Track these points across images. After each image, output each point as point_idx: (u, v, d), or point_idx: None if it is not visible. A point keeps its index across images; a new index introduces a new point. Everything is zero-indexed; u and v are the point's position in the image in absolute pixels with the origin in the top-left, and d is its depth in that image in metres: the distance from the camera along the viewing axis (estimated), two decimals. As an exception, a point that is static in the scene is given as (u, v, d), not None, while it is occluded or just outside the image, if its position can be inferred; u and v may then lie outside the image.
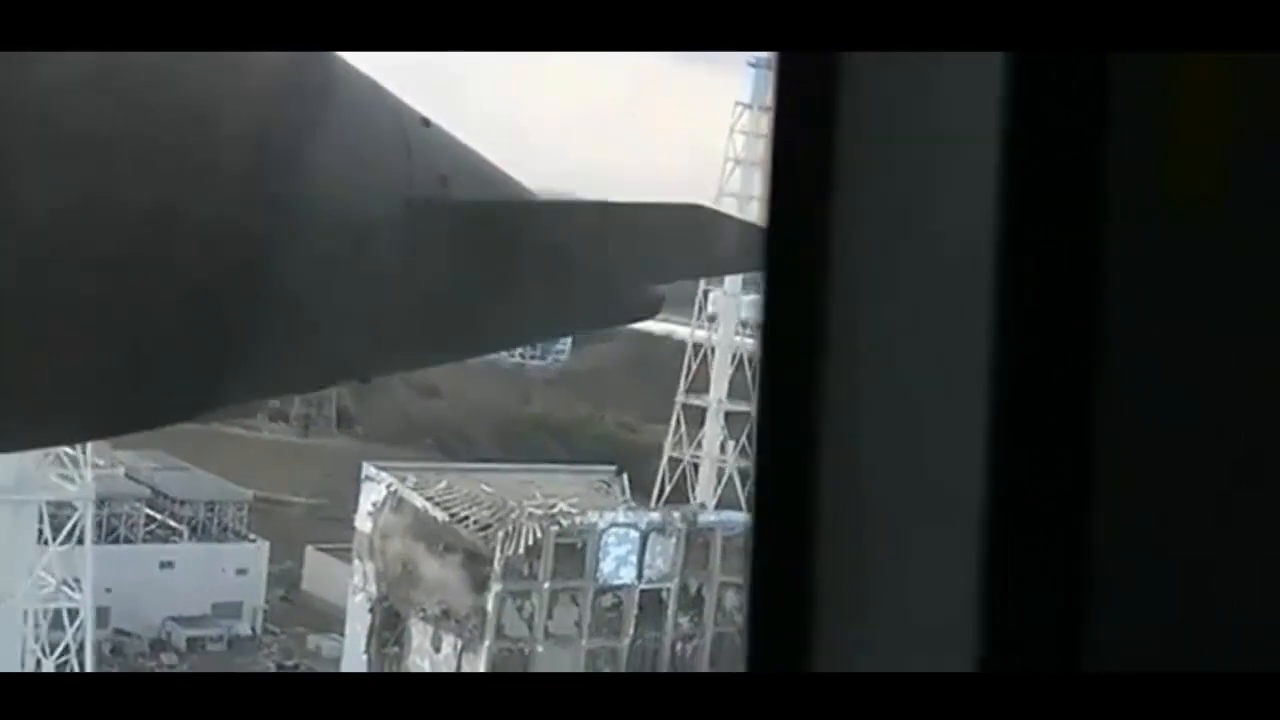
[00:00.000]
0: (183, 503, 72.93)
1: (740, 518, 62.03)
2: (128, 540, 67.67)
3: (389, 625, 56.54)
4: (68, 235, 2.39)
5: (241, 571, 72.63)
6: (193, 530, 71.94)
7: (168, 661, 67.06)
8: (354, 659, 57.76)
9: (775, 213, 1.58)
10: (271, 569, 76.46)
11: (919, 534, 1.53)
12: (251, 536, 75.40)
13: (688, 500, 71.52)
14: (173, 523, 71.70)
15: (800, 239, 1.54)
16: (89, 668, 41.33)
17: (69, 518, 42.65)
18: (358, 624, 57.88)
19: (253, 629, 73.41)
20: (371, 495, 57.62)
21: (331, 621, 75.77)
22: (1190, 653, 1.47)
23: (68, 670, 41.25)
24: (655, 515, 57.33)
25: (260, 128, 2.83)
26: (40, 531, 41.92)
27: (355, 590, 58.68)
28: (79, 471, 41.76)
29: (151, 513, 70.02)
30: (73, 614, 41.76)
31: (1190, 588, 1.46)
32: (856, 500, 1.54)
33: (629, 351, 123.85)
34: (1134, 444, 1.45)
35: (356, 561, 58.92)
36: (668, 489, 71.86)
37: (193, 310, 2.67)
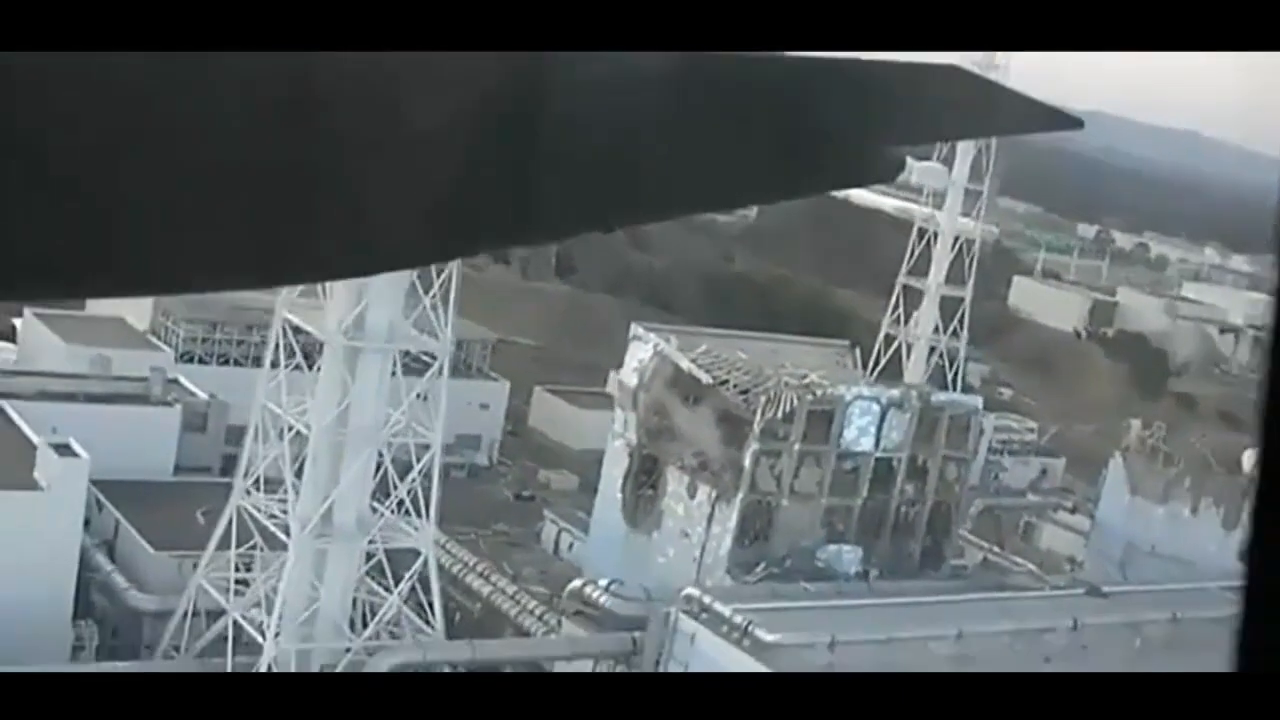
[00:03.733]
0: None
1: (968, 400, 67.20)
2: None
3: (646, 470, 62.46)
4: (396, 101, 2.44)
5: (484, 407, 79.01)
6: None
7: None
8: (609, 497, 63.95)
9: None
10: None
11: None
12: (494, 375, 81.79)
13: (900, 375, 76.73)
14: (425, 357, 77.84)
15: None
16: (434, 494, 47.51)
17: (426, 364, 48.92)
18: (615, 467, 63.87)
19: (489, 460, 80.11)
20: (638, 353, 63.10)
21: (556, 457, 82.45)
22: None
23: (414, 491, 47.38)
24: (895, 392, 62.30)
25: None
26: (394, 374, 47.98)
27: (614, 436, 64.63)
28: (440, 324, 47.69)
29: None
30: (420, 448, 47.87)
31: None
32: None
33: (809, 209, 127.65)
34: None
35: (618, 411, 64.70)
36: (883, 362, 76.83)
37: (471, 156, 2.60)
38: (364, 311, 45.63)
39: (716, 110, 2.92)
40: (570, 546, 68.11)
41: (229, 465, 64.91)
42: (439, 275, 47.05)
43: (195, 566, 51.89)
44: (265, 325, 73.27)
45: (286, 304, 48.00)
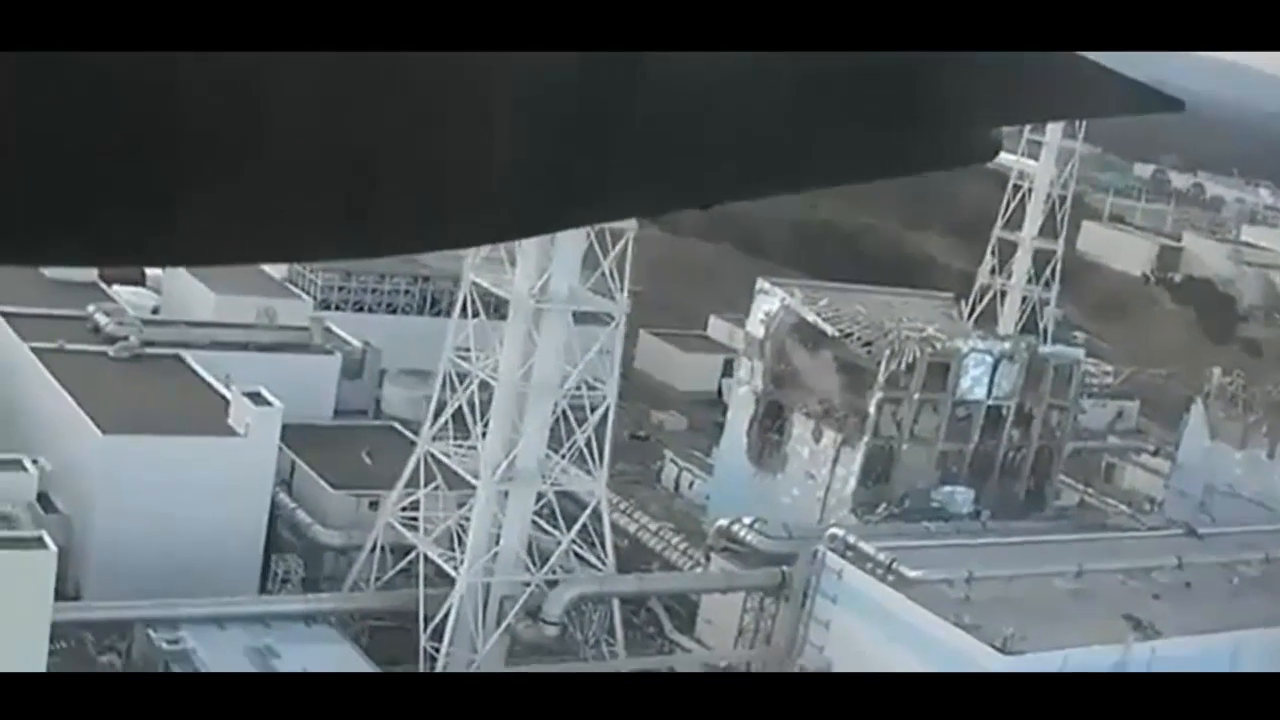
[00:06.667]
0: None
1: (1070, 351, 71.23)
2: (492, 312, 77.43)
3: (771, 415, 66.81)
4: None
5: (605, 352, 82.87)
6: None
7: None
8: (734, 439, 68.39)
9: None
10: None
11: None
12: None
13: (995, 321, 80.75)
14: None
15: None
16: (607, 442, 51.92)
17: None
18: (741, 411, 68.28)
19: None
20: (764, 305, 67.32)
21: (663, 399, 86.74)
22: None
23: (591, 442, 51.58)
24: (1006, 344, 66.45)
25: None
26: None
27: (740, 383, 69.03)
28: (616, 289, 51.92)
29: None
30: (594, 404, 52.21)
31: None
32: None
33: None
34: None
35: (744, 359, 69.01)
36: (978, 310, 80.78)
37: (568, 137, 2.67)
38: (549, 276, 49.89)
39: (820, 93, 2.92)
40: (691, 485, 72.53)
41: (380, 408, 69.78)
42: (615, 243, 51.17)
43: (371, 505, 56.52)
44: (395, 274, 78.03)
45: (471, 267, 52.14)
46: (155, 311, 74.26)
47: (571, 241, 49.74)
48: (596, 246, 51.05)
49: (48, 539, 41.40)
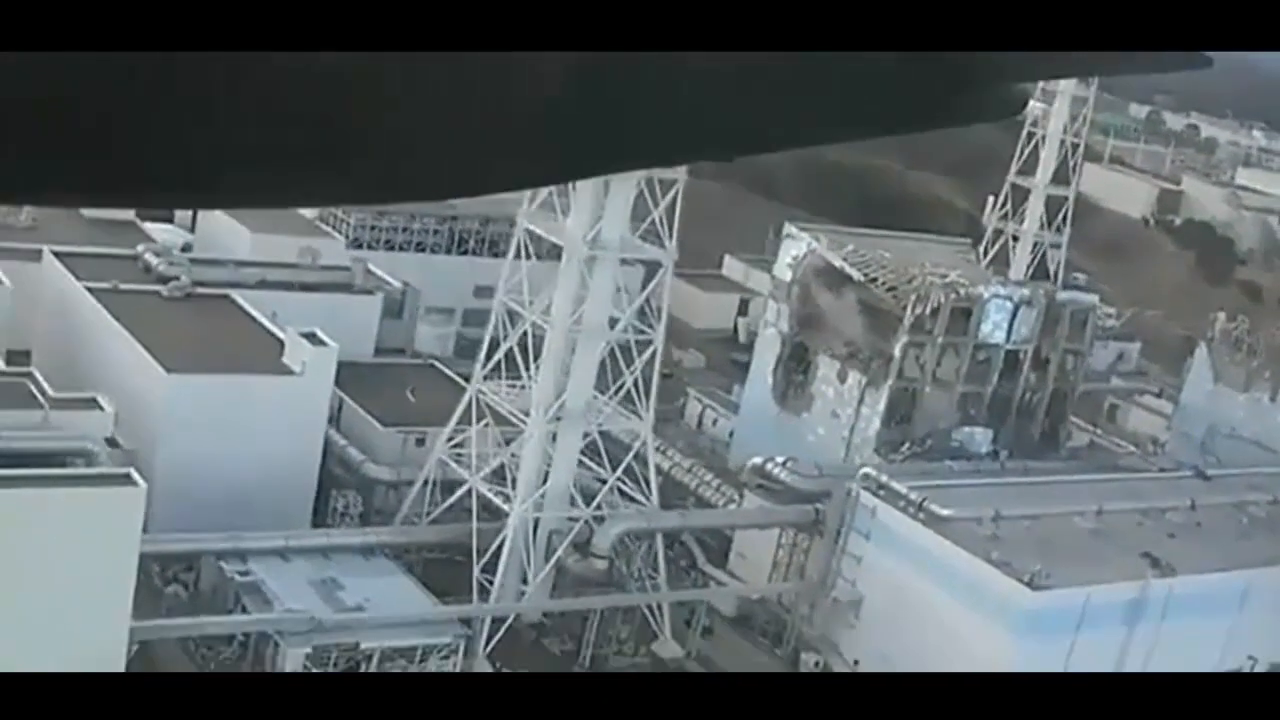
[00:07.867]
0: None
1: (1086, 298, 73.35)
2: (540, 257, 79.27)
3: (796, 357, 68.97)
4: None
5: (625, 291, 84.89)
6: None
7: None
8: (759, 379, 70.57)
9: None
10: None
11: None
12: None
13: (1007, 264, 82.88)
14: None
15: None
16: (654, 385, 53.97)
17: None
18: (767, 352, 70.41)
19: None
20: (791, 250, 69.31)
21: (680, 337, 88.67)
22: None
23: (639, 381, 53.58)
24: (1025, 290, 68.58)
25: None
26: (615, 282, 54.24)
27: (766, 324, 71.09)
28: (664, 237, 53.81)
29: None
30: (641, 345, 54.20)
31: None
32: None
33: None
34: None
35: (771, 302, 71.02)
36: (991, 252, 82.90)
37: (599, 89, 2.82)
38: (601, 225, 51.80)
39: (865, 54, 2.95)
40: (715, 423, 74.74)
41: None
42: (664, 194, 53.02)
43: (418, 442, 58.63)
44: (425, 214, 79.74)
45: (525, 214, 54.01)
46: (186, 248, 75.70)
47: (622, 191, 51.58)
48: (648, 196, 52.85)
49: (136, 475, 43.26)
